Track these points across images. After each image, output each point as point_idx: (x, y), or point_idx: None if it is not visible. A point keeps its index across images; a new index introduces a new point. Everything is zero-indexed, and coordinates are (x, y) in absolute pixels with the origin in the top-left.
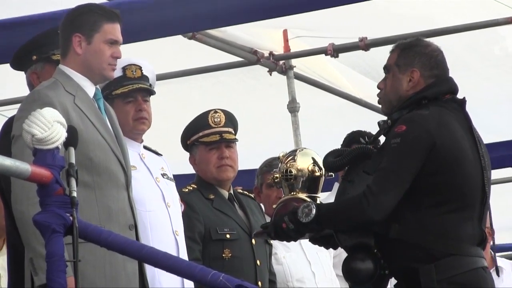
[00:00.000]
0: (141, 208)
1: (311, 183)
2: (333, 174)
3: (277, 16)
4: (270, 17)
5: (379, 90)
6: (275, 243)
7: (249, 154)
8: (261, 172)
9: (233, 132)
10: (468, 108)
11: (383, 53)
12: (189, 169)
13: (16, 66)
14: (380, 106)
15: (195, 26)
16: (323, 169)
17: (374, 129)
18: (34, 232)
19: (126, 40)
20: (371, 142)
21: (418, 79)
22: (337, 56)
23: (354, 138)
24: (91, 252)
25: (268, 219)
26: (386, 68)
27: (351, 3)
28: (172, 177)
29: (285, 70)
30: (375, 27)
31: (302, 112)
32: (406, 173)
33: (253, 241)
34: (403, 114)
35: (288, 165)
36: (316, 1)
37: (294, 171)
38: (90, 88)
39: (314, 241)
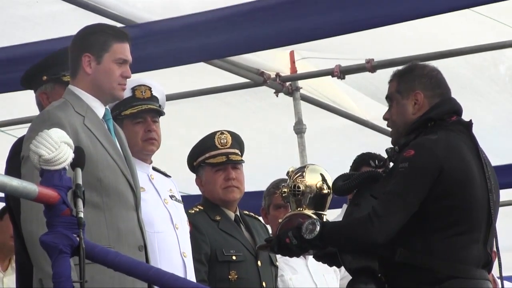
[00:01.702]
0: (149, 230)
1: (319, 200)
2: None
3: (287, 44)
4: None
5: (385, 111)
6: (281, 265)
7: (255, 175)
8: (269, 193)
9: (239, 153)
10: (474, 130)
11: (389, 75)
12: (195, 190)
13: (26, 85)
14: (387, 128)
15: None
16: (332, 187)
17: (380, 151)
18: (43, 253)
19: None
20: (380, 167)
21: (423, 100)
22: (343, 78)
23: (364, 160)
24: (99, 272)
25: None
26: (389, 98)
27: (357, 31)
28: (180, 199)
29: (292, 92)
30: (382, 49)
31: (308, 133)
32: (412, 197)
33: (259, 262)
34: (410, 139)
35: (296, 180)
36: (324, 30)
37: (302, 187)
38: (99, 109)
39: (318, 258)
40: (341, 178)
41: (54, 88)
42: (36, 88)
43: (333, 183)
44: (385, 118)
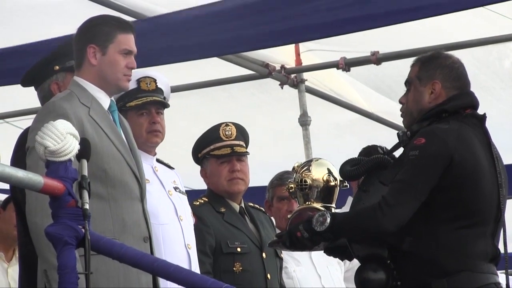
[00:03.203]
0: (154, 221)
1: (326, 193)
2: (348, 185)
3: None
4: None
5: (390, 105)
6: (285, 257)
7: (260, 167)
8: (272, 185)
9: (244, 145)
10: None
11: (394, 68)
12: (199, 183)
13: (32, 79)
14: (391, 121)
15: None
16: (338, 179)
17: (384, 143)
18: (48, 244)
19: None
20: (388, 153)
21: (440, 90)
22: (348, 70)
23: (369, 153)
24: (104, 264)
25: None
26: (408, 82)
27: (363, 30)
28: (184, 190)
29: (297, 84)
30: (387, 41)
31: (313, 125)
32: (422, 186)
33: (264, 254)
34: (422, 126)
35: (303, 175)
36: (334, 27)
37: (309, 181)
38: (105, 100)
39: (329, 251)
40: (349, 163)
41: (66, 78)
42: (45, 79)
43: (341, 167)
44: (400, 101)
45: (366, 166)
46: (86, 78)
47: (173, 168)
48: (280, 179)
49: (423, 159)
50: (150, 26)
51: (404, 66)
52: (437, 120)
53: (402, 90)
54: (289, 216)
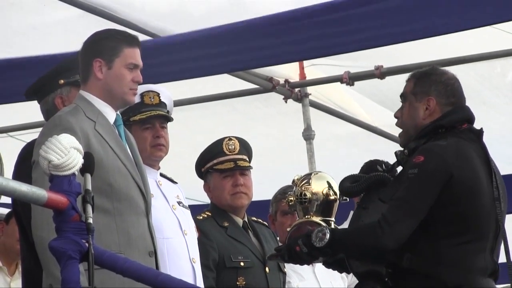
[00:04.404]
0: (158, 236)
1: (326, 207)
2: (347, 199)
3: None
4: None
5: (394, 119)
6: (289, 272)
7: (263, 182)
8: (276, 199)
9: (247, 159)
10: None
11: (398, 82)
12: (201, 195)
13: (36, 92)
14: (396, 135)
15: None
16: (338, 193)
17: (389, 158)
18: (53, 258)
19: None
20: (388, 171)
21: (435, 107)
22: (352, 84)
23: (371, 167)
24: (110, 278)
25: None
26: (403, 96)
27: (370, 48)
28: (187, 205)
29: (301, 98)
30: (391, 55)
31: (317, 139)
32: (421, 203)
33: (267, 269)
34: (420, 144)
35: (302, 188)
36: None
37: (308, 195)
38: (110, 114)
39: (327, 265)
40: (348, 180)
41: (70, 92)
42: (48, 93)
43: (341, 184)
44: (396, 116)
45: (365, 183)
46: (92, 92)
47: (176, 183)
48: (284, 193)
49: (422, 177)
50: (155, 44)
51: None
52: (434, 137)
53: None
54: (288, 229)
